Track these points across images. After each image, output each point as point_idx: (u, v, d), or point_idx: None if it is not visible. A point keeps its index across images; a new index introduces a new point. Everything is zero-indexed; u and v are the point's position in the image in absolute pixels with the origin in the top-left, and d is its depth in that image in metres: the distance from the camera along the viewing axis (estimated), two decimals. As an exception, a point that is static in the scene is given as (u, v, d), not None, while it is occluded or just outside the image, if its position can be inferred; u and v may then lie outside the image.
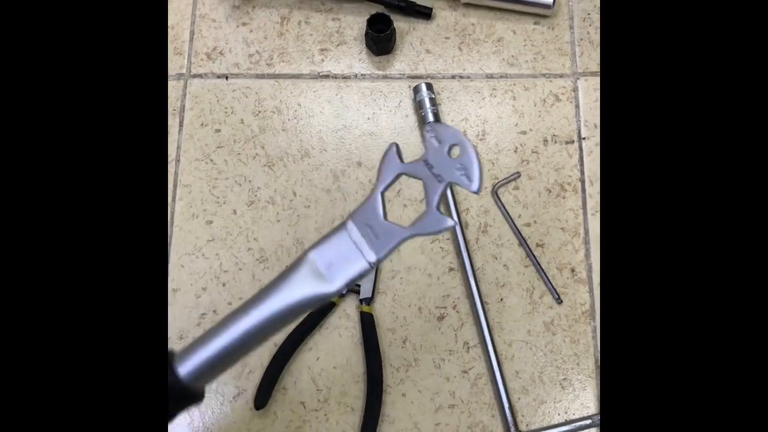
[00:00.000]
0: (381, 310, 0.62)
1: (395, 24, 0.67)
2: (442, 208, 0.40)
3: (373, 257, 0.40)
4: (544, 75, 0.69)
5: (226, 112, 0.68)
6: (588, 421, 0.59)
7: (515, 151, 0.66)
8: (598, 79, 0.68)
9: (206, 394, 0.57)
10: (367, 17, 0.67)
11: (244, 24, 0.71)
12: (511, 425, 0.58)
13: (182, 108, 0.68)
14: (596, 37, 0.70)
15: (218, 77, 0.69)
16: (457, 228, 0.63)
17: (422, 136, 0.67)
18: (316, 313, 0.61)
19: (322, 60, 0.70)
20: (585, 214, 0.65)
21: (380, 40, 0.67)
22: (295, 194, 0.65)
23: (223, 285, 0.63)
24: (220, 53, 0.70)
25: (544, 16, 0.70)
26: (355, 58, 0.70)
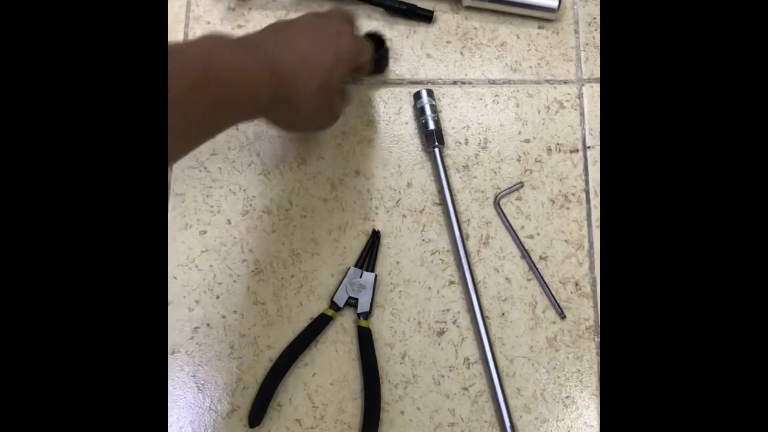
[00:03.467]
0: (379, 325, 0.60)
1: (395, 28, 0.65)
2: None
3: None
4: (548, 81, 0.67)
5: (220, 118, 0.66)
6: (591, 440, 0.57)
7: (518, 160, 0.64)
8: (603, 86, 0.66)
9: (199, 411, 0.55)
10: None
11: (239, 26, 0.69)
12: (512, 444, 0.57)
13: (175, 113, 0.66)
14: (602, 42, 0.68)
15: (212, 82, 0.67)
16: (458, 240, 0.61)
17: None
18: (313, 327, 0.59)
19: (320, 64, 0.67)
20: (590, 225, 0.63)
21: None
22: (291, 203, 0.64)
23: (217, 297, 0.61)
24: (215, 57, 0.68)
25: (549, 20, 0.68)
26: (353, 62, 0.68)
